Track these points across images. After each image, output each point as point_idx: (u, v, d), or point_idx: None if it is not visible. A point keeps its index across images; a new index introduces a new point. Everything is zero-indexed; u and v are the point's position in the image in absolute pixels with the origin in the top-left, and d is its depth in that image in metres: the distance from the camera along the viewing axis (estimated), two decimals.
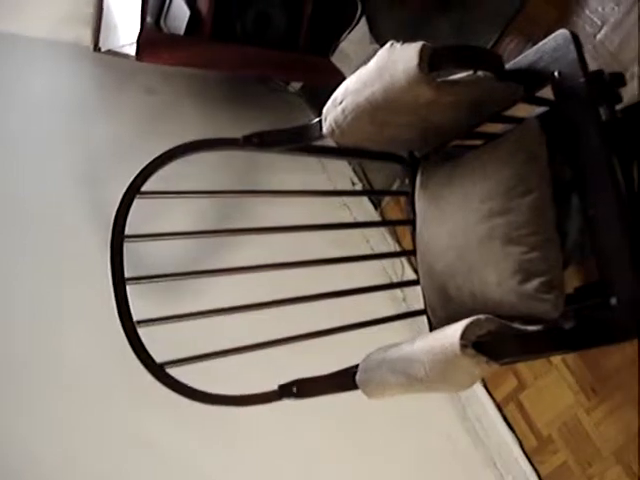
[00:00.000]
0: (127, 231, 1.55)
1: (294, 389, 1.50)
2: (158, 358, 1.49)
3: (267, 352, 1.57)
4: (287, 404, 1.51)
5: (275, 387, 1.51)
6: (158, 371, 1.48)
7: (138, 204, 1.58)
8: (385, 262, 2.61)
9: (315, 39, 2.79)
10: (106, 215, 1.60)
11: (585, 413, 2.03)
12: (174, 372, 1.49)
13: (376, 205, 2.78)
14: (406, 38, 1.35)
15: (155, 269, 1.61)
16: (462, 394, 2.37)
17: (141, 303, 1.55)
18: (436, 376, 1.27)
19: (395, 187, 2.63)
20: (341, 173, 2.86)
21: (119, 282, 1.50)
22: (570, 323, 1.35)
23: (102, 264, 1.54)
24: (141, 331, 1.49)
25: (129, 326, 1.48)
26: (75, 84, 2.72)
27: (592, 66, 1.41)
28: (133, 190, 1.55)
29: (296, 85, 3.11)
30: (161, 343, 1.49)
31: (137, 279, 1.53)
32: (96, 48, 2.77)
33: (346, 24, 2.78)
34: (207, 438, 2.02)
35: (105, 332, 1.65)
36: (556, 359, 2.10)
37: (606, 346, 1.37)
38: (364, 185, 2.85)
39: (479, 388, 2.33)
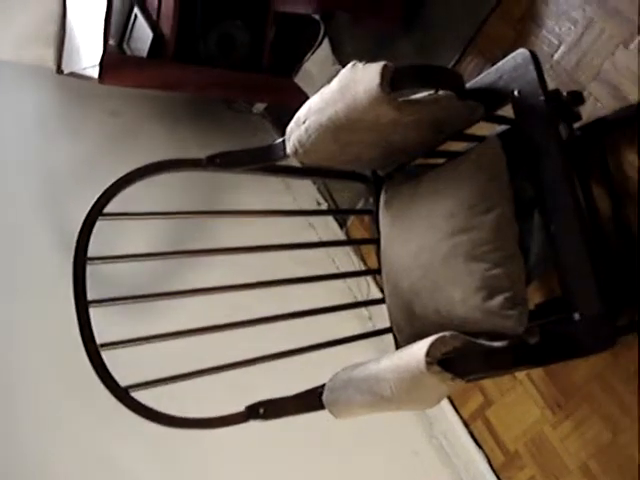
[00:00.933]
0: (90, 253, 1.53)
1: (261, 410, 1.49)
2: (124, 381, 1.47)
3: (233, 373, 1.55)
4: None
5: (242, 408, 1.50)
6: (122, 395, 1.46)
7: (102, 225, 1.56)
8: (350, 281, 2.62)
9: (278, 60, 2.79)
10: (69, 237, 1.58)
11: (551, 428, 2.05)
12: (140, 395, 1.47)
13: (341, 224, 2.79)
14: (369, 58, 1.36)
15: (119, 290, 1.60)
16: (429, 411, 2.37)
17: (106, 325, 1.53)
18: (402, 394, 1.27)
19: (359, 206, 2.64)
20: (306, 193, 2.87)
21: (81, 305, 1.48)
22: (534, 338, 1.36)
23: (65, 287, 1.53)
24: (106, 353, 1.47)
25: (92, 349, 1.47)
26: (38, 106, 2.70)
27: (550, 85, 1.43)
28: (95, 212, 1.54)
29: (260, 106, 3.12)
30: (127, 365, 1.48)
31: (100, 302, 1.51)
32: (59, 70, 2.75)
33: (309, 45, 2.80)
34: (174, 459, 2.00)
35: (70, 355, 1.63)
36: (521, 374, 2.12)
37: (570, 360, 1.38)
38: (329, 204, 2.85)
39: (446, 405, 2.33)
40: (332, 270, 2.60)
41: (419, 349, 1.24)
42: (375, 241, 1.73)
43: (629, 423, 1.85)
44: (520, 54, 1.39)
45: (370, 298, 2.45)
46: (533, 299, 1.87)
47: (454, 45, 2.34)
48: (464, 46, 2.31)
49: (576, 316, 1.31)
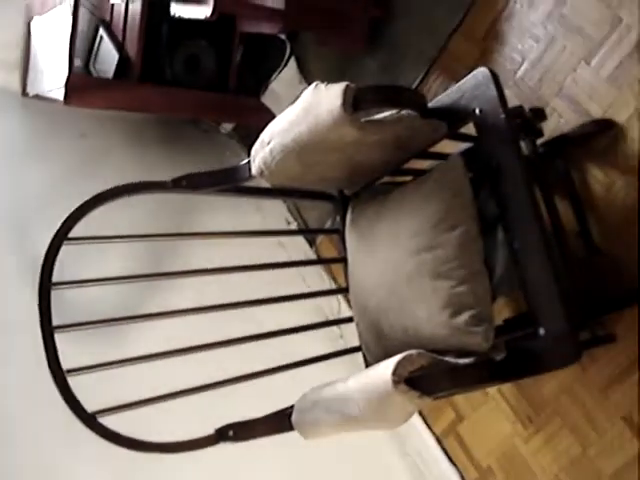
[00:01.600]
0: (57, 277, 1.52)
1: (231, 433, 1.49)
2: (92, 406, 1.46)
3: (204, 396, 1.55)
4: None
5: (212, 431, 1.49)
6: (90, 420, 1.45)
7: (69, 248, 1.55)
8: (321, 300, 2.61)
9: (245, 80, 2.80)
10: (35, 262, 1.57)
11: (523, 442, 2.06)
12: (109, 420, 1.46)
13: (311, 243, 2.79)
14: (335, 77, 1.37)
15: (87, 315, 1.59)
16: (402, 428, 2.36)
17: (73, 349, 1.52)
18: (370, 414, 1.27)
19: (328, 225, 2.65)
20: (276, 212, 2.87)
21: (47, 331, 1.47)
22: (501, 354, 1.37)
23: (31, 312, 1.51)
24: (74, 379, 1.46)
25: (59, 375, 1.46)
26: (4, 129, 2.67)
27: (513, 102, 1.45)
28: (60, 236, 1.53)
29: (228, 126, 3.12)
30: (94, 390, 1.47)
31: (65, 327, 1.50)
32: (24, 93, 2.74)
33: (276, 64, 2.81)
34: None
35: (37, 380, 1.61)
36: (492, 390, 2.13)
37: (538, 375, 1.38)
38: (299, 224, 2.86)
39: (418, 422, 2.33)
40: (303, 289, 2.59)
41: (386, 368, 1.24)
42: (343, 260, 1.74)
43: (597, 437, 1.86)
44: (480, 72, 1.41)
45: (341, 317, 2.45)
46: (501, 314, 1.88)
47: (418, 64, 2.36)
48: (428, 65, 2.34)
49: (541, 331, 1.32)
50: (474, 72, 1.42)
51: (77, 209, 1.57)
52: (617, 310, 1.79)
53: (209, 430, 1.49)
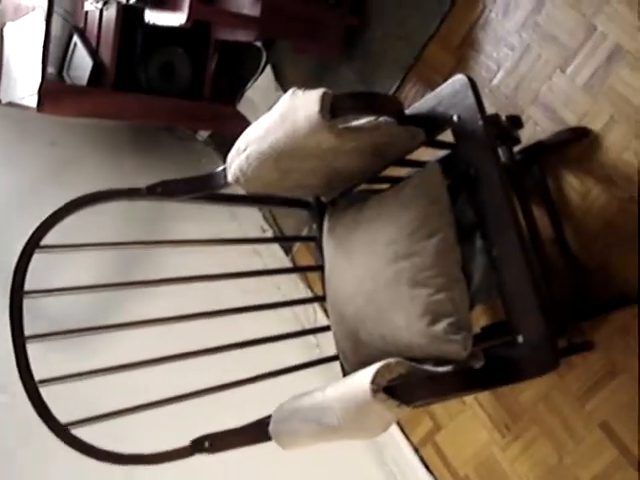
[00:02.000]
0: (30, 285, 1.49)
1: (207, 444, 1.46)
2: (65, 417, 1.43)
3: (179, 406, 1.52)
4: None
5: (187, 442, 1.47)
6: (62, 432, 1.42)
7: (41, 257, 1.53)
8: (297, 309, 2.60)
9: (221, 87, 2.79)
10: (6, 271, 1.54)
11: (500, 450, 2.05)
12: (82, 432, 1.43)
13: (287, 251, 2.77)
14: (311, 85, 1.36)
15: (60, 324, 1.56)
16: (379, 438, 2.35)
17: (47, 360, 1.49)
18: (349, 423, 1.26)
19: (305, 233, 2.63)
20: (251, 219, 2.85)
21: (18, 341, 1.44)
22: (479, 362, 1.36)
23: (1, 322, 1.48)
24: (47, 389, 1.43)
25: (31, 386, 1.43)
26: None
27: (489, 110, 1.45)
28: (32, 244, 1.50)
29: (204, 133, 3.10)
30: (68, 400, 1.44)
31: (38, 337, 1.47)
32: None
33: (252, 72, 2.80)
34: None
35: (7, 391, 1.59)
36: (469, 398, 2.12)
37: (516, 383, 1.38)
38: (275, 231, 2.84)
39: (396, 431, 2.32)
40: (278, 298, 2.58)
41: (364, 377, 1.23)
42: (320, 268, 1.73)
43: (574, 445, 1.86)
44: (458, 80, 1.41)
45: (317, 325, 2.44)
46: (479, 322, 1.88)
47: (394, 72, 2.36)
48: (404, 73, 2.34)
49: (519, 339, 1.31)
50: (452, 79, 1.42)
51: (50, 216, 1.54)
52: (594, 317, 1.79)
53: (185, 441, 1.47)
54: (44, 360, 1.49)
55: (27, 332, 1.47)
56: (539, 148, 1.87)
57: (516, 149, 1.78)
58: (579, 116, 1.87)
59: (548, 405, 1.92)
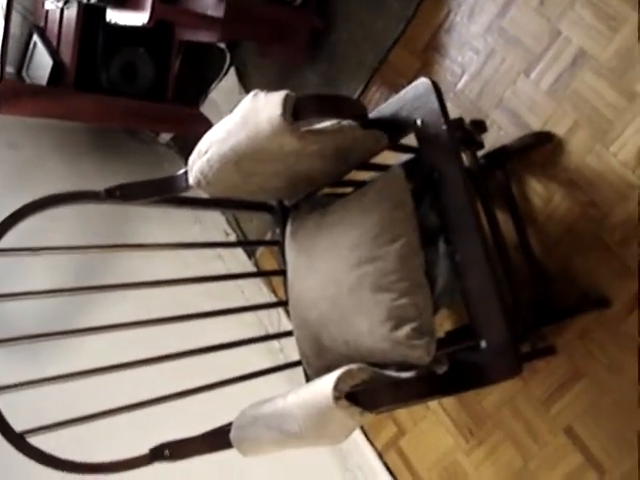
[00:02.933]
0: None
1: (167, 452, 1.44)
2: (20, 426, 1.39)
3: (139, 413, 1.49)
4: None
5: (146, 450, 1.44)
6: (18, 441, 1.38)
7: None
8: (261, 313, 2.58)
9: (184, 89, 2.76)
10: None
11: (465, 455, 2.05)
12: (39, 440, 1.40)
13: (250, 255, 2.75)
14: (275, 88, 1.34)
15: (18, 329, 1.52)
16: (343, 443, 2.34)
17: (3, 366, 1.46)
18: (311, 430, 1.24)
19: (268, 236, 2.62)
20: (214, 223, 2.83)
21: None
22: (443, 367, 1.36)
23: None
24: (3, 397, 1.39)
25: None
26: None
27: (454, 114, 1.44)
28: None
29: (166, 136, 3.07)
30: (23, 409, 1.40)
31: None
32: None
33: (215, 74, 2.78)
34: None
35: None
36: (433, 403, 2.12)
37: (480, 388, 1.37)
38: (238, 235, 2.82)
39: (359, 436, 2.31)
40: (242, 302, 2.56)
41: (326, 383, 1.21)
42: (283, 272, 1.71)
43: (538, 449, 1.86)
44: (421, 83, 1.40)
45: (281, 330, 2.42)
46: (443, 326, 1.87)
47: (359, 75, 2.36)
48: (369, 76, 2.33)
49: (483, 344, 1.30)
50: (415, 83, 1.41)
51: (6, 219, 1.50)
52: (557, 322, 1.79)
53: (145, 449, 1.44)
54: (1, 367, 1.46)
55: None
56: (503, 153, 1.88)
57: (480, 153, 1.78)
58: (543, 120, 1.87)
59: (512, 410, 1.92)
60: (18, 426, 1.39)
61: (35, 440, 1.40)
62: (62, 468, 1.41)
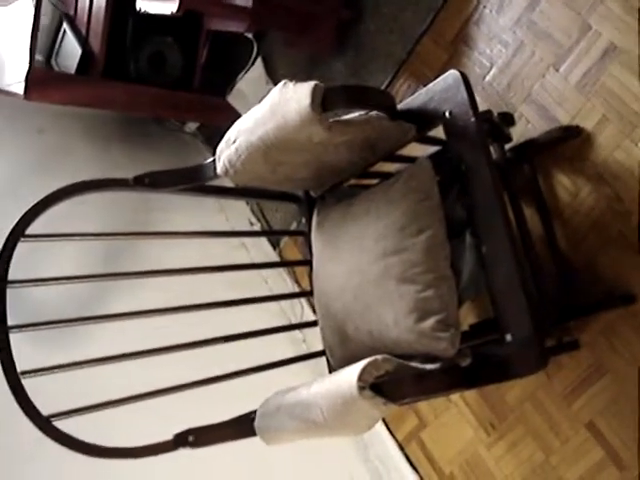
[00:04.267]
0: (12, 275, 1.47)
1: (190, 438, 1.44)
2: (47, 410, 1.41)
3: (163, 400, 1.51)
4: None
5: (170, 436, 1.45)
6: (45, 424, 1.40)
7: (25, 247, 1.50)
8: (284, 303, 2.59)
9: (211, 78, 2.77)
10: None
11: (485, 449, 2.05)
12: (65, 424, 1.41)
13: (274, 245, 2.76)
14: (302, 78, 1.35)
15: (43, 315, 1.54)
16: (364, 434, 2.35)
17: (29, 351, 1.47)
18: (334, 420, 1.24)
19: (293, 227, 2.62)
20: (239, 213, 2.84)
21: (1, 330, 1.42)
22: (467, 360, 1.35)
23: None
24: (28, 381, 1.41)
25: (13, 377, 1.40)
26: None
27: (482, 106, 1.43)
28: (16, 233, 1.48)
29: (193, 125, 3.08)
30: (50, 393, 1.42)
31: (21, 327, 1.45)
32: None
33: (242, 64, 2.78)
34: None
35: None
36: (455, 396, 2.12)
37: (503, 382, 1.37)
38: (262, 225, 2.83)
39: (381, 428, 2.32)
40: (265, 292, 2.57)
41: (351, 373, 1.21)
42: (308, 262, 1.71)
43: (559, 445, 1.86)
44: (451, 75, 1.39)
45: (304, 320, 2.43)
46: (467, 319, 1.87)
47: (387, 66, 2.35)
48: (396, 68, 2.33)
49: (508, 337, 1.30)
50: (444, 75, 1.41)
51: (35, 205, 1.52)
52: (582, 317, 1.78)
53: (169, 435, 1.45)
54: (25, 351, 1.47)
55: (10, 323, 1.45)
56: (531, 146, 1.87)
57: (507, 147, 1.78)
58: (571, 114, 1.86)
59: (534, 404, 1.92)
60: (44, 410, 1.41)
61: (60, 424, 1.42)
62: (88, 452, 1.42)
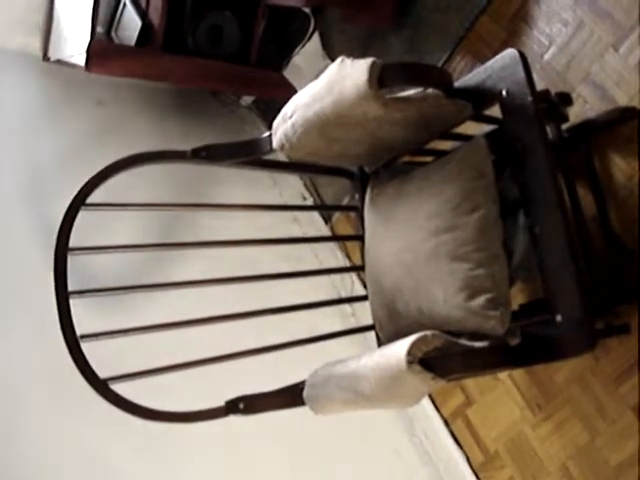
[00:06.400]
0: (72, 243, 1.52)
1: (241, 405, 1.48)
2: (103, 373, 1.46)
3: (214, 368, 1.55)
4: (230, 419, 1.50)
5: (221, 403, 1.49)
6: (101, 387, 1.45)
7: (84, 216, 1.55)
8: (334, 277, 2.61)
9: (268, 53, 2.78)
10: (52, 228, 1.56)
11: (531, 429, 2.05)
12: (119, 388, 1.46)
13: (326, 220, 2.78)
14: (358, 54, 1.35)
15: (101, 282, 1.59)
16: (410, 409, 2.37)
17: (86, 316, 1.52)
18: (382, 393, 1.26)
19: (345, 202, 2.64)
20: (292, 187, 2.86)
21: (62, 296, 1.47)
22: (516, 339, 1.36)
23: (46, 277, 1.51)
24: (85, 345, 1.46)
25: (72, 340, 1.45)
26: (22, 94, 2.65)
27: (539, 86, 1.43)
28: (78, 202, 1.53)
29: (248, 99, 3.10)
30: (106, 358, 1.47)
31: (81, 292, 1.50)
32: (45, 57, 2.73)
33: (299, 38, 2.79)
34: (151, 454, 1.99)
35: (49, 346, 1.62)
36: (503, 375, 2.12)
37: (551, 362, 1.38)
38: (315, 200, 2.85)
39: (427, 403, 2.33)
40: (316, 266, 2.59)
41: (400, 348, 1.23)
42: (360, 238, 1.73)
43: (605, 427, 1.85)
44: (509, 54, 1.39)
45: (354, 295, 2.46)
46: (516, 300, 1.87)
47: (444, 44, 2.33)
48: (454, 45, 2.31)
49: (558, 318, 1.30)
50: (502, 53, 1.40)
51: (95, 176, 1.56)
52: (632, 301, 1.77)
53: (220, 402, 1.49)
54: (85, 316, 1.52)
55: (70, 288, 1.50)
56: (587, 127, 1.85)
57: (564, 127, 1.76)
58: (630, 96, 1.83)
59: (581, 386, 1.91)
60: (101, 373, 1.46)
61: (116, 388, 1.47)
62: (142, 415, 1.47)
